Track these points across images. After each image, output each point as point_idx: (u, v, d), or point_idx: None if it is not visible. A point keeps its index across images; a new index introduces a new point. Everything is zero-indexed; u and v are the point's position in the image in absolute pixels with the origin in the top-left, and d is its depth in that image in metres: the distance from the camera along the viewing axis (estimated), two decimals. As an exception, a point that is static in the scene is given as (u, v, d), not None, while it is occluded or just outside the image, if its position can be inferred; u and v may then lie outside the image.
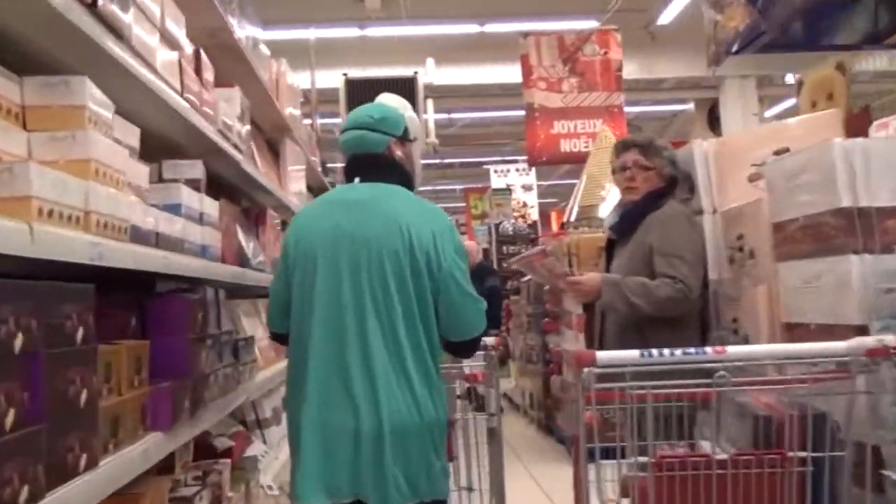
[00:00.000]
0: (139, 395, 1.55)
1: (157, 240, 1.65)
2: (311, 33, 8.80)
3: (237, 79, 2.77)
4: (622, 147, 2.93)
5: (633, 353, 1.71)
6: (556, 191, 17.61)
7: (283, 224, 3.70)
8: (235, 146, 2.43)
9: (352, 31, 9.82)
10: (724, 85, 10.53)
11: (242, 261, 2.50)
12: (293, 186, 3.80)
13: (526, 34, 8.97)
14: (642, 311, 2.62)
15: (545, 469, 5.33)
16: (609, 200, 5.34)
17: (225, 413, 2.28)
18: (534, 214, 13.53)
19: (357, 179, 2.05)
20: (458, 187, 18.64)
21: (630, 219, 2.84)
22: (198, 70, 2.16)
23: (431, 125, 10.13)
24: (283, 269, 2.04)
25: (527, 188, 13.80)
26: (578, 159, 8.09)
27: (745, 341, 2.53)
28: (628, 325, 2.73)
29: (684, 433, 1.97)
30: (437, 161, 18.05)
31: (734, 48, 4.93)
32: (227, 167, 2.47)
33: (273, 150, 3.79)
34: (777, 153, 2.52)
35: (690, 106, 12.54)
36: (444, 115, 12.96)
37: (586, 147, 7.94)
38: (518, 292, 8.02)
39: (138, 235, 1.53)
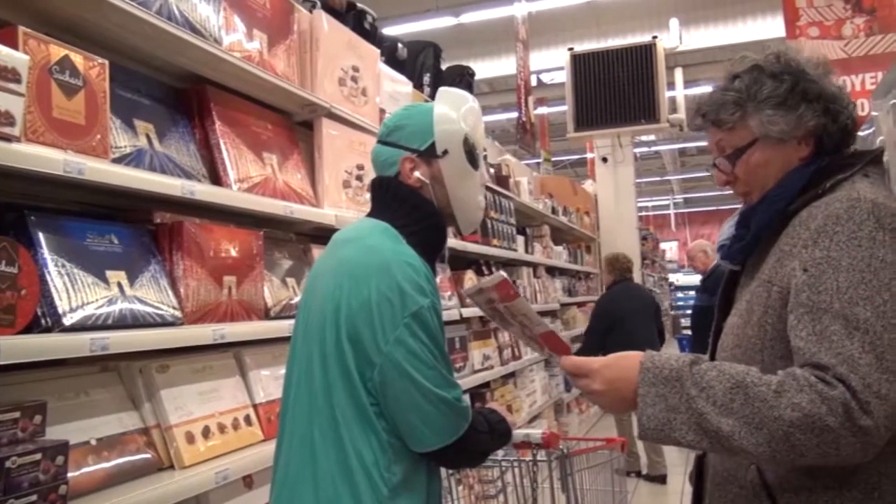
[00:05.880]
0: None
1: None
2: (520, 8, 7.69)
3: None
4: (694, 124, 1.46)
5: None
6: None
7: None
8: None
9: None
10: None
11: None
12: (334, 191, 2.72)
13: (792, -36, 6.86)
14: (743, 451, 1.11)
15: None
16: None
17: None
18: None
19: None
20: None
21: (750, 226, 1.34)
22: None
23: (681, 99, 8.40)
24: None
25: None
26: (868, 127, 5.91)
27: None
28: (753, 487, 1.28)
29: None
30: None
31: None
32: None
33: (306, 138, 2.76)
34: None
35: None
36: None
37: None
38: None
39: None
